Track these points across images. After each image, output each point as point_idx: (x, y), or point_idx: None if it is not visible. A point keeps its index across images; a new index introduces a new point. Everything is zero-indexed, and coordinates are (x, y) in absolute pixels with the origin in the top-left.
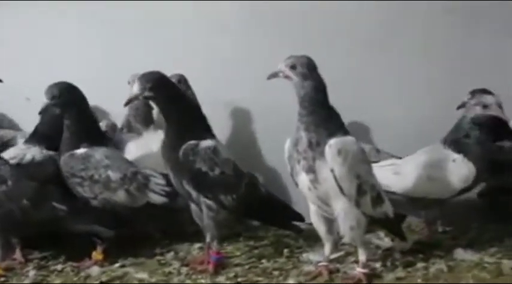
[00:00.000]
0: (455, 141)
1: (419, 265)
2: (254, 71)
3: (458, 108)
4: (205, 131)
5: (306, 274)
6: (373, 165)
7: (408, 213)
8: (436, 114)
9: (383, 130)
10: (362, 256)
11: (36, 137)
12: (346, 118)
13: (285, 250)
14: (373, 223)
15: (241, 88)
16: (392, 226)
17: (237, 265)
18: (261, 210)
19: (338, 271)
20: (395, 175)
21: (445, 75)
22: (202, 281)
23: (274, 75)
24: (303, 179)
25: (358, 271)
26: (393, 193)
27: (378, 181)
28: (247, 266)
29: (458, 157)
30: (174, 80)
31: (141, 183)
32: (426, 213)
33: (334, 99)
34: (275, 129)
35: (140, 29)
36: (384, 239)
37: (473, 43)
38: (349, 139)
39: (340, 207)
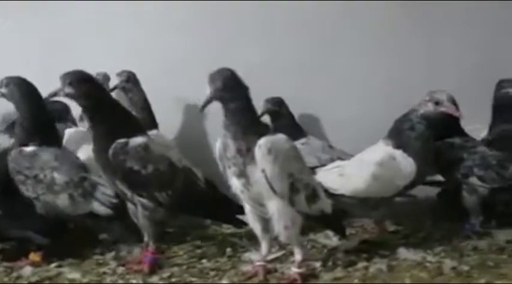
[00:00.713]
0: (397, 135)
1: (360, 264)
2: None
3: None
4: (135, 128)
5: (242, 275)
6: (320, 169)
7: (359, 213)
8: (395, 113)
9: (342, 128)
10: (298, 256)
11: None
12: (304, 115)
13: (228, 250)
14: (309, 220)
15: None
16: (330, 222)
17: (175, 265)
18: (200, 205)
19: (276, 270)
20: (340, 177)
21: (405, 74)
22: (134, 281)
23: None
24: (235, 183)
25: (294, 271)
26: (342, 195)
27: (313, 178)
28: (185, 267)
29: (398, 153)
30: (123, 77)
31: (87, 190)
32: (374, 212)
33: (294, 95)
34: None
35: (92, 26)
36: (331, 239)
37: (434, 43)
38: (280, 137)
39: (274, 206)
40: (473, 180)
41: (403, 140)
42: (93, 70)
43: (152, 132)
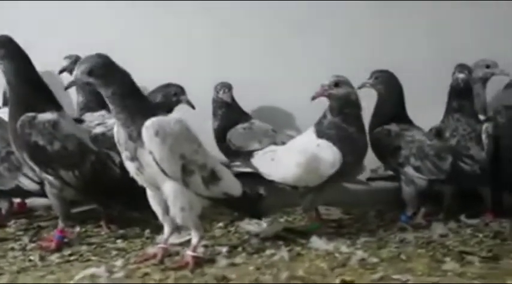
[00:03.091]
0: (319, 123)
1: (268, 252)
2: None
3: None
4: (48, 104)
5: (140, 256)
6: (256, 153)
7: (293, 200)
8: None
9: (292, 112)
10: (194, 239)
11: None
12: (253, 99)
13: (147, 231)
14: (217, 204)
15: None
16: (240, 205)
17: (89, 243)
18: (112, 190)
19: (178, 254)
20: (271, 163)
21: (354, 58)
22: (32, 257)
23: (72, 84)
24: (130, 167)
25: (188, 254)
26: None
27: (213, 160)
28: (94, 246)
29: (322, 142)
30: (71, 60)
31: (14, 164)
32: (302, 200)
33: (245, 80)
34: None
35: None
36: (254, 225)
37: (385, 25)
38: (169, 118)
39: (168, 188)
40: (409, 170)
41: (322, 129)
42: None
43: (100, 113)
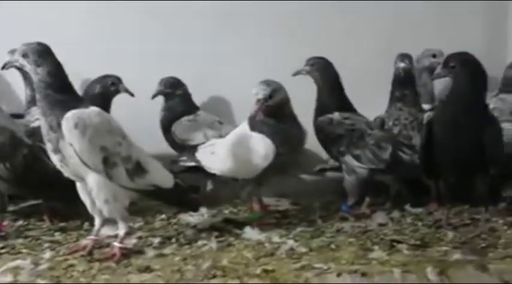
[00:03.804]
0: (252, 117)
1: (200, 242)
2: None
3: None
4: None
5: (71, 248)
6: (200, 146)
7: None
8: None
9: (240, 105)
10: (121, 231)
11: None
12: (200, 92)
13: (86, 224)
14: (146, 196)
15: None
16: (171, 198)
17: (26, 236)
18: (44, 184)
19: (108, 245)
20: (211, 156)
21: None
22: None
23: (8, 65)
24: (54, 158)
25: (114, 245)
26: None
27: (138, 152)
28: (30, 239)
29: (255, 134)
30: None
31: None
32: (241, 192)
33: (193, 72)
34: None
35: None
36: (195, 217)
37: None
38: (89, 110)
39: (92, 180)
40: (350, 159)
41: (253, 123)
42: None
43: None
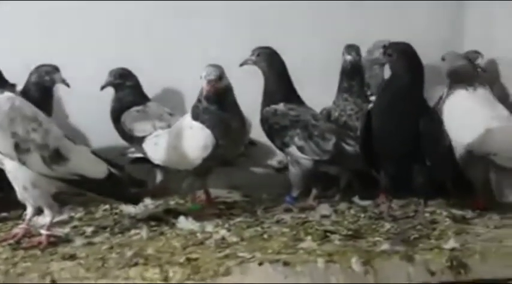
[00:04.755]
0: (194, 106)
1: (133, 232)
2: None
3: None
4: None
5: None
6: (148, 137)
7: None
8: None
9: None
10: (47, 218)
11: None
12: (154, 82)
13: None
14: (74, 186)
15: None
16: (101, 189)
17: None
18: None
19: (40, 234)
20: (155, 146)
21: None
22: None
23: None
24: None
25: (42, 233)
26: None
27: (57, 139)
28: None
29: (195, 124)
30: None
31: None
32: (183, 183)
33: (145, 62)
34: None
35: None
36: (137, 207)
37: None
38: (1, 96)
39: (9, 167)
40: (294, 150)
41: (197, 112)
42: None
43: None
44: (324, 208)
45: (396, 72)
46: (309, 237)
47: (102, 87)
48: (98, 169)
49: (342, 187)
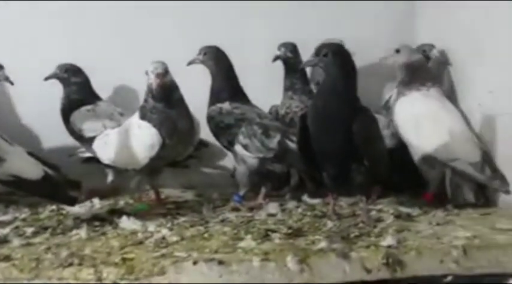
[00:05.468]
0: (142, 105)
1: (74, 232)
2: None
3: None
4: None
5: None
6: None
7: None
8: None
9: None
10: None
11: None
12: (106, 81)
13: None
14: (9, 186)
15: None
16: (36, 189)
17: None
18: None
19: None
20: (105, 146)
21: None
22: None
23: None
24: None
25: None
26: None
27: None
28: None
29: (143, 123)
30: None
31: None
32: (131, 181)
33: (97, 61)
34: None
35: None
36: (82, 207)
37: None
38: None
39: None
40: (239, 148)
41: (144, 111)
42: None
43: None
44: (272, 207)
45: (330, 73)
46: (249, 236)
47: (46, 78)
48: (33, 170)
49: (293, 186)
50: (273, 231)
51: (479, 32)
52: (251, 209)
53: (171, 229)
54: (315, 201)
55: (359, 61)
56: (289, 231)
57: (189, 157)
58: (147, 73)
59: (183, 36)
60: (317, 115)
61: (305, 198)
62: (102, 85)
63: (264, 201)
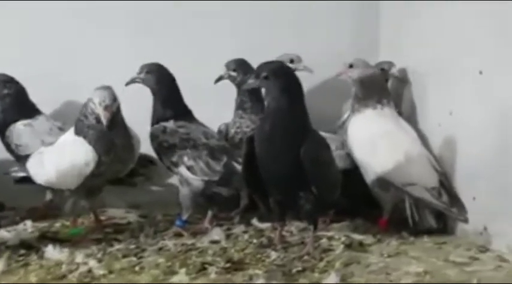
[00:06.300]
0: (77, 121)
1: None
2: None
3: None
4: None
5: None
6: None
7: None
8: None
9: None
10: None
11: None
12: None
13: None
14: None
15: None
16: None
17: None
18: None
19: None
20: (39, 164)
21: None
22: None
23: None
24: None
25: None
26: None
27: None
28: None
29: (77, 139)
30: None
31: None
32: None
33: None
34: None
35: None
36: (11, 231)
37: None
38: None
39: None
40: (183, 170)
41: (79, 127)
42: None
43: None
44: (216, 233)
45: (274, 95)
46: (184, 270)
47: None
48: None
49: (242, 208)
50: (210, 264)
51: (440, 51)
52: (195, 234)
53: (100, 261)
54: (264, 226)
55: (318, 77)
56: (227, 265)
57: (136, 174)
58: (92, 102)
59: (130, 52)
60: (263, 139)
61: (254, 221)
62: (42, 99)
63: (211, 224)
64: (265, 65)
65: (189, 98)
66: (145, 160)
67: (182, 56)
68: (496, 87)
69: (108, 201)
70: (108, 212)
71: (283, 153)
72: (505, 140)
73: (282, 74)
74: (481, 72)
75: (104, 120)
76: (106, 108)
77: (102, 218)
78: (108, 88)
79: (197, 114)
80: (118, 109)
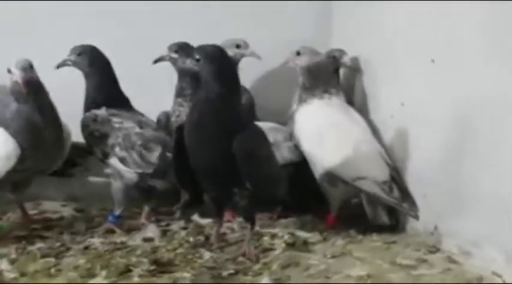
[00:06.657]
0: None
1: None
2: None
3: None
4: None
5: None
6: None
7: None
8: None
9: None
10: None
11: None
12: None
13: None
14: None
15: None
16: None
17: None
18: None
19: None
20: None
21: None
22: None
23: None
24: None
25: None
26: None
27: None
28: None
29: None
30: None
31: None
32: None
33: None
34: None
35: None
36: None
37: None
38: None
39: None
40: (115, 161)
41: (4, 117)
42: None
43: None
44: (151, 230)
45: (204, 79)
46: (104, 272)
47: None
48: None
49: (183, 203)
50: (135, 266)
51: (392, 39)
52: (128, 230)
53: (13, 262)
54: (205, 221)
55: (268, 65)
56: (153, 267)
57: (73, 164)
58: (9, 71)
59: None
60: (191, 127)
61: (195, 217)
62: None
63: (148, 220)
64: (200, 47)
65: (128, 86)
66: (82, 149)
67: (123, 42)
68: (448, 76)
69: (43, 192)
70: (43, 205)
71: (213, 144)
72: (458, 132)
73: (216, 58)
74: (433, 61)
75: (20, 81)
76: (24, 69)
77: (33, 212)
78: (25, 58)
79: (136, 102)
80: (42, 90)
